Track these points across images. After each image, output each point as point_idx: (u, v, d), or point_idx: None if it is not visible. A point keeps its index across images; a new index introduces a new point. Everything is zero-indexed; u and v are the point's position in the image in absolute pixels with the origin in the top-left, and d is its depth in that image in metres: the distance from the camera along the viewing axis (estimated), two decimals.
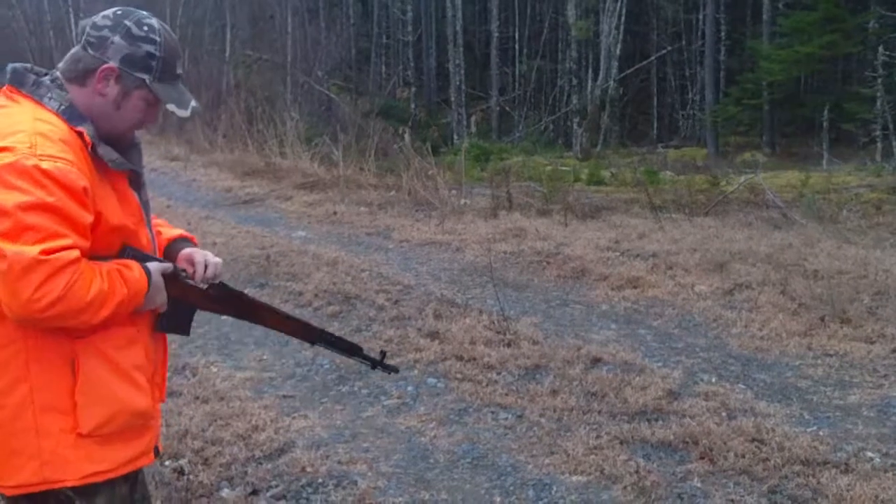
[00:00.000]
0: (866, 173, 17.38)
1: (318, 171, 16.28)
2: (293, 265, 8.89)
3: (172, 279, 2.45)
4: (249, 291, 7.93)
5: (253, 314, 2.69)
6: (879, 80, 22.86)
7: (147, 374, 2.42)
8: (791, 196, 14.12)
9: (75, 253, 2.10)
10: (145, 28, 2.34)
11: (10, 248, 2.03)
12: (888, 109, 22.18)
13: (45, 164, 2.09)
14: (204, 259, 2.57)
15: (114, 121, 2.35)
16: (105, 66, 2.30)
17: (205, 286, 2.55)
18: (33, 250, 2.03)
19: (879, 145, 22.09)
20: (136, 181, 2.44)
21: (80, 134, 2.23)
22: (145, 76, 2.34)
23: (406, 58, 42.31)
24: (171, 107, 2.40)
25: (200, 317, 2.60)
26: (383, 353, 2.98)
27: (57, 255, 2.06)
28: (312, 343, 2.82)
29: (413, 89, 40.85)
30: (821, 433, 4.90)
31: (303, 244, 10.29)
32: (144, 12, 2.40)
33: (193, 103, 2.45)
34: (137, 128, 2.45)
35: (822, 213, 12.11)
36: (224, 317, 6.91)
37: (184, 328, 2.58)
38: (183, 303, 2.52)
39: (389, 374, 3.06)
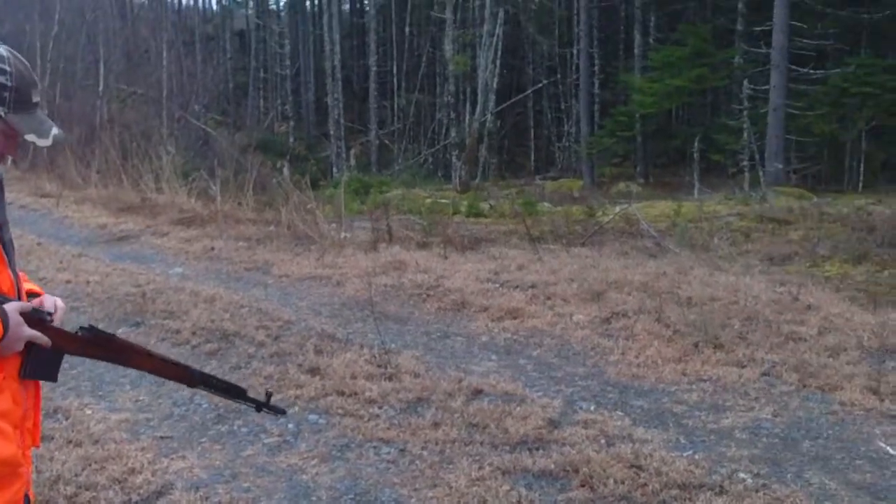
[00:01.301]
0: (735, 202, 18.02)
1: (195, 206, 16.00)
2: (170, 303, 8.70)
3: (37, 323, 2.32)
4: (124, 331, 7.75)
5: (126, 358, 2.56)
6: (745, 113, 23.82)
7: (14, 421, 2.30)
8: (664, 225, 14.50)
9: None
10: None
11: None
12: (754, 140, 23.05)
13: None
14: (53, 303, 2.47)
15: None
16: None
17: (76, 329, 2.45)
18: None
19: (747, 175, 22.93)
20: None
21: None
22: None
23: (284, 92, 42.27)
24: (30, 137, 2.30)
25: (73, 357, 2.50)
26: (269, 395, 2.83)
27: None
28: (192, 386, 2.70)
29: (291, 123, 40.85)
30: (696, 457, 5.01)
31: (180, 281, 10.09)
32: None
33: (55, 131, 2.35)
34: None
35: (695, 241, 12.47)
36: None
37: (51, 374, 2.43)
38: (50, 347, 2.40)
39: (277, 416, 2.96)
